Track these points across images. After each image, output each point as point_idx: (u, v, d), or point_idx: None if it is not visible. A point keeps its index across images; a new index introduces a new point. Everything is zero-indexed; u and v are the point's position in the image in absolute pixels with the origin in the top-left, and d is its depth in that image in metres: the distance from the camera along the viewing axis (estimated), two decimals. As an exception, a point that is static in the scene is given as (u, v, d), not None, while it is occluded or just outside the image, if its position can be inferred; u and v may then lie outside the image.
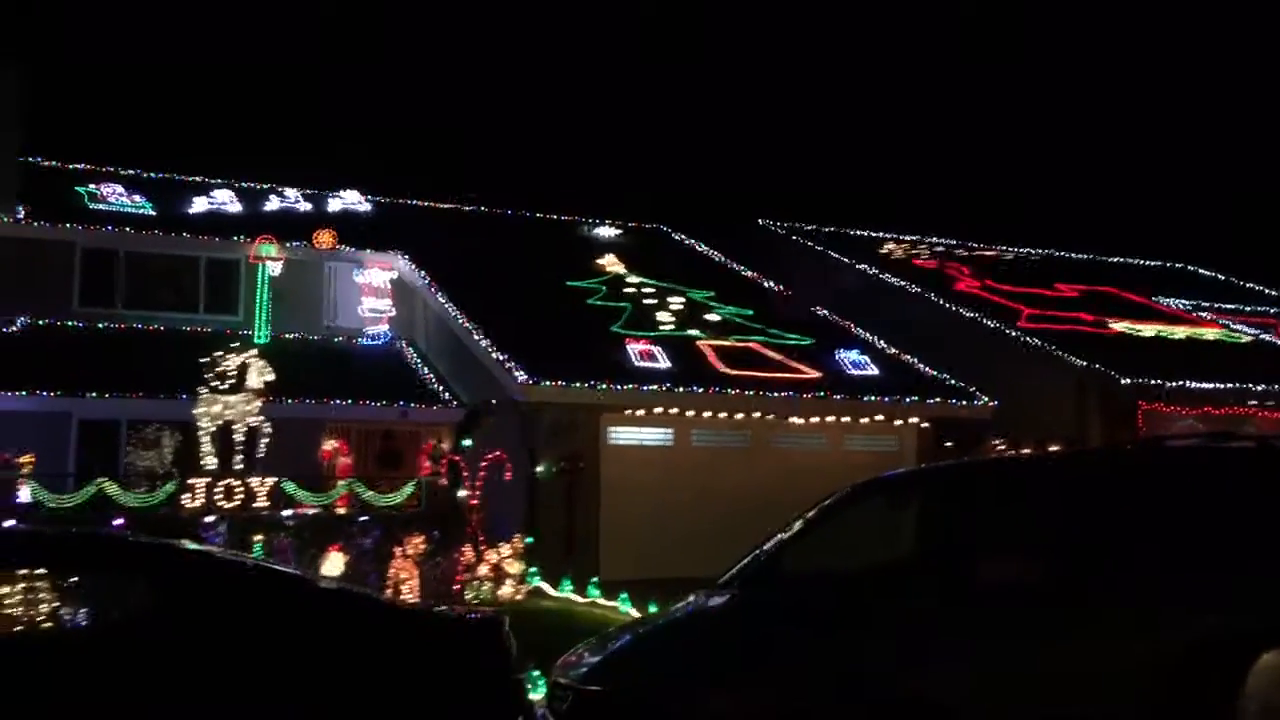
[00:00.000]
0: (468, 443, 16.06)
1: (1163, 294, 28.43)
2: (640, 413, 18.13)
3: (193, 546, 5.16)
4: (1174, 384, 20.62)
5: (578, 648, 6.88)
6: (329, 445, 19.56)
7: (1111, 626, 5.42)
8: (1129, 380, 20.33)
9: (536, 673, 7.52)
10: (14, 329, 19.57)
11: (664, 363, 18.84)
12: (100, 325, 20.38)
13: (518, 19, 68.66)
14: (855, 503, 7.19)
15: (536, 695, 6.90)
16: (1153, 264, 33.07)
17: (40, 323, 19.97)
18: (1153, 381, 20.52)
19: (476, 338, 18.67)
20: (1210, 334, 25.27)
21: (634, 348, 19.12)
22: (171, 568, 4.56)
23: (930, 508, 6.85)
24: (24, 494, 14.39)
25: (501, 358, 17.72)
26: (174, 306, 21.41)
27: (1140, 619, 5.36)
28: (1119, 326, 24.47)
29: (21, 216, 20.42)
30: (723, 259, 27.24)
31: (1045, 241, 32.51)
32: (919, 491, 7.16)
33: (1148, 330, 24.48)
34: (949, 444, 19.78)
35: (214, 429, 15.35)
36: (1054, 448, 16.06)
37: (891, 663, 5.83)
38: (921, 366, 21.13)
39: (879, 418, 19.30)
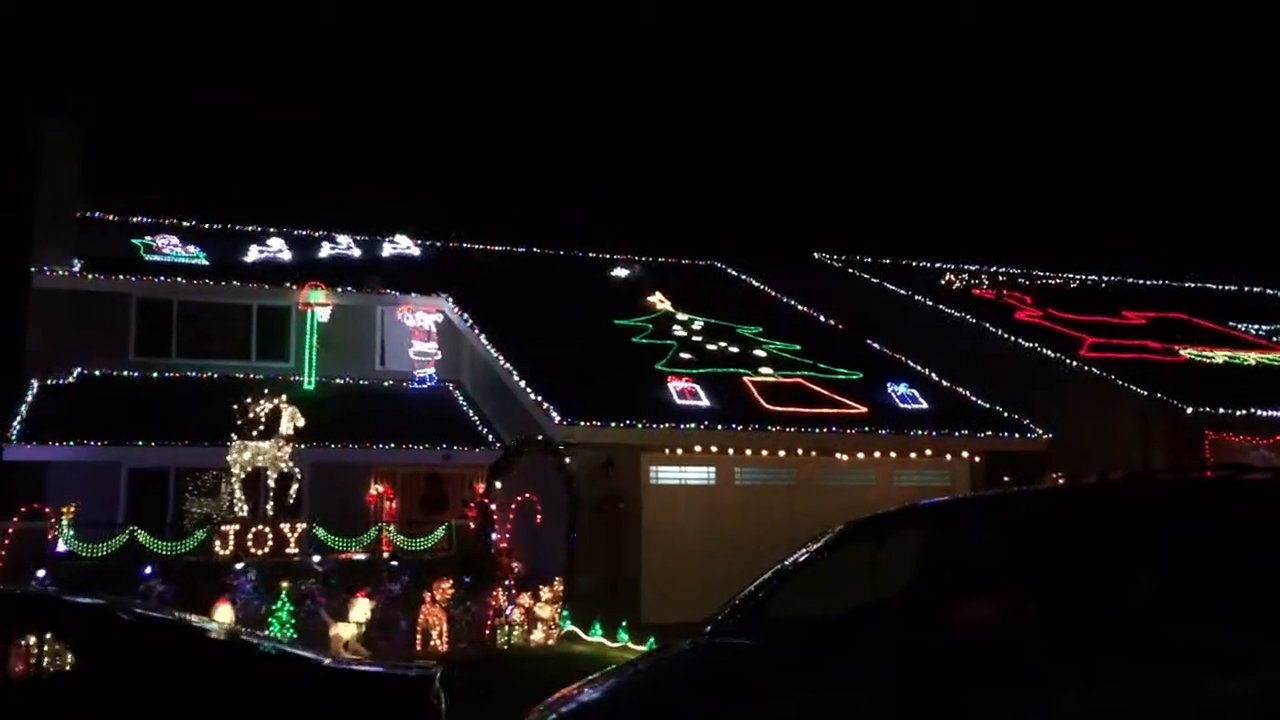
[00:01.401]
0: (499, 485, 15.90)
1: (1238, 319, 27.36)
2: (681, 452, 17.85)
3: (88, 601, 5.03)
4: (1242, 412, 19.74)
5: (545, 702, 6.63)
6: (375, 489, 19.64)
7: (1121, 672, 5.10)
8: (1193, 409, 19.51)
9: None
10: (70, 379, 20.01)
11: (706, 400, 18.56)
12: (154, 375, 20.75)
13: (571, 60, 69.39)
14: (853, 540, 6.88)
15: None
16: (1229, 289, 31.89)
17: (96, 373, 20.39)
18: (1219, 410, 19.66)
19: (515, 378, 18.60)
20: (1286, 359, 24.19)
21: (676, 385, 18.88)
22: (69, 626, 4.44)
23: (927, 545, 6.55)
24: (62, 544, 14.57)
25: (538, 398, 17.60)
26: (227, 354, 21.74)
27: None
28: (1188, 354, 23.57)
29: (78, 269, 20.92)
30: (775, 294, 26.92)
31: (1117, 269, 31.56)
32: (916, 528, 6.84)
33: (1218, 357, 23.54)
34: (1006, 478, 19.19)
35: (244, 475, 15.42)
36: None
37: (868, 711, 5.53)
38: (974, 399, 20.54)
39: (928, 452, 18.76)
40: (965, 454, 19.03)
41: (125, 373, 20.69)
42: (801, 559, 6.81)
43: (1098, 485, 6.54)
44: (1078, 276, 30.64)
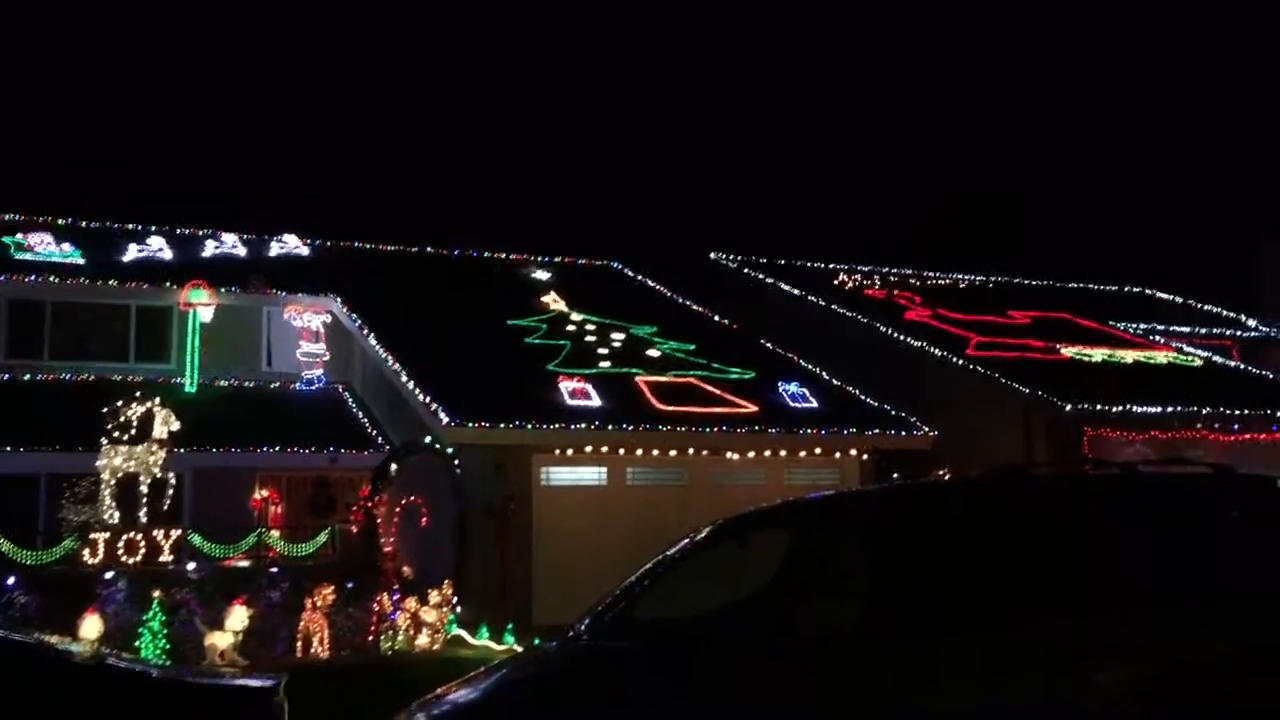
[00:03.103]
0: (385, 488, 15.61)
1: (1117, 319, 28.22)
2: (572, 452, 17.75)
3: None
4: (1119, 409, 20.34)
5: (416, 703, 6.50)
6: (259, 494, 19.16)
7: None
8: (1072, 406, 20.05)
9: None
10: (-66, 383, 19.13)
11: (597, 400, 18.48)
12: (26, 376, 19.95)
13: (471, 54, 68.84)
14: (724, 538, 6.86)
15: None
16: (1110, 289, 32.91)
17: (-37, 376, 19.53)
18: (1097, 407, 20.23)
19: (404, 379, 18.32)
20: (1162, 357, 25.04)
21: (567, 386, 18.77)
22: None
23: (789, 544, 6.54)
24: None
25: (426, 399, 17.35)
26: (104, 356, 21.05)
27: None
28: (1069, 352, 24.24)
29: (-60, 269, 20.02)
30: (671, 294, 26.98)
31: (1003, 269, 32.33)
32: (780, 526, 6.83)
33: (1098, 355, 24.25)
34: (895, 475, 19.48)
35: (115, 481, 14.88)
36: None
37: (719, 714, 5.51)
38: (864, 398, 20.83)
39: (818, 450, 18.96)
40: (854, 451, 19.27)
41: (-5, 376, 19.85)
42: (672, 559, 6.79)
43: (930, 485, 6.63)
44: (966, 277, 31.30)
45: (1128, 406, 20.48)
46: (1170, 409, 20.78)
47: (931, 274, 30.85)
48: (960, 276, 31.27)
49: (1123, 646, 5.21)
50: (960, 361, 22.40)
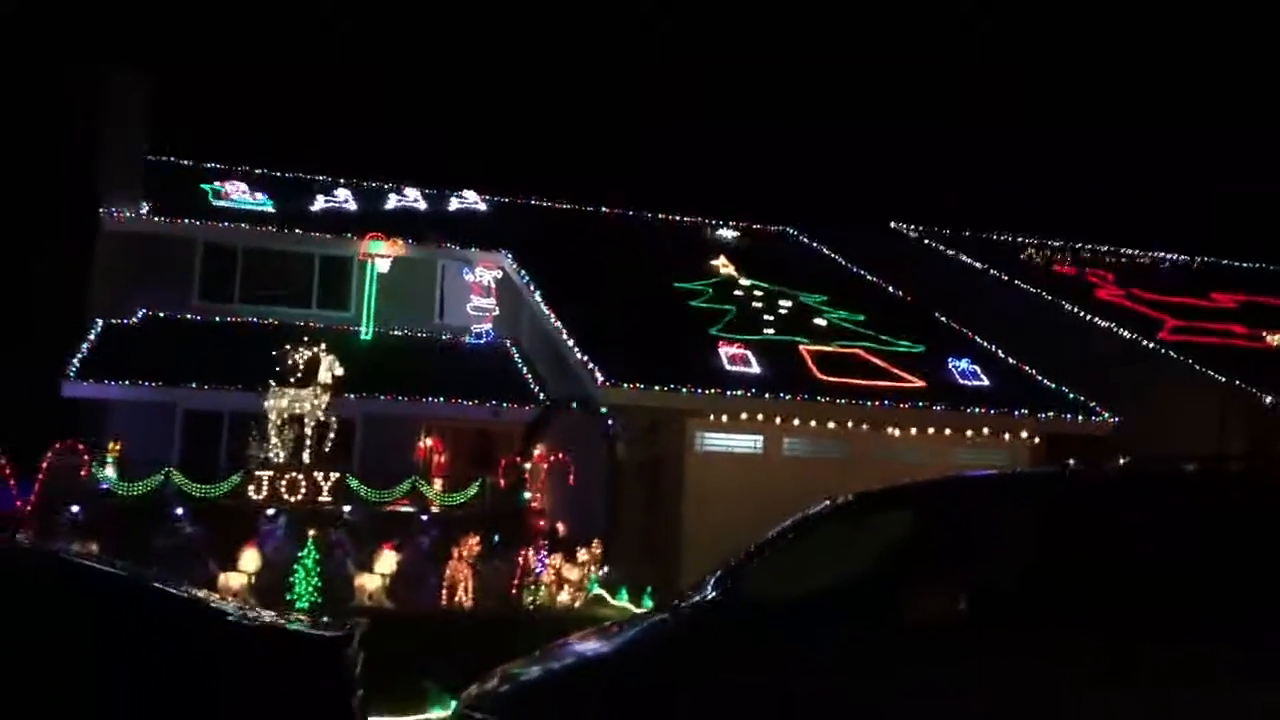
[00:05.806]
0: (538, 444, 15.75)
1: (1336, 306, 25.94)
2: (727, 419, 17.50)
3: None
4: (1327, 404, 18.72)
5: (504, 669, 6.42)
6: (424, 442, 19.67)
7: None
8: (1273, 399, 18.53)
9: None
10: (133, 321, 20.35)
11: (757, 367, 18.14)
12: (216, 319, 21.02)
13: (642, 14, 68.52)
14: (846, 516, 6.55)
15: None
16: (1329, 273, 30.29)
17: (159, 315, 20.71)
18: (1303, 401, 18.67)
19: (564, 336, 18.41)
20: (1384, 350, 22.87)
21: (727, 351, 18.50)
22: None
23: (919, 523, 6.19)
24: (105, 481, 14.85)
25: (584, 357, 17.38)
26: (289, 302, 21.92)
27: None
28: (1277, 340, 22.43)
29: (145, 212, 21.22)
30: (845, 262, 26.27)
31: (1209, 249, 30.16)
32: (910, 507, 6.47)
33: (1310, 345, 22.36)
34: (1071, 461, 18.49)
35: (281, 422, 15.47)
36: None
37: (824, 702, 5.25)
38: (1040, 378, 19.76)
39: (985, 431, 18.12)
40: (1025, 434, 18.33)
41: (188, 316, 20.99)
42: (796, 530, 6.52)
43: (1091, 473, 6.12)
44: (1167, 256, 29.40)
45: (1338, 402, 18.80)
46: (1389, 408, 18.97)
47: (1129, 251, 29.10)
48: (1161, 255, 29.39)
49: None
50: (1151, 345, 21.05)
